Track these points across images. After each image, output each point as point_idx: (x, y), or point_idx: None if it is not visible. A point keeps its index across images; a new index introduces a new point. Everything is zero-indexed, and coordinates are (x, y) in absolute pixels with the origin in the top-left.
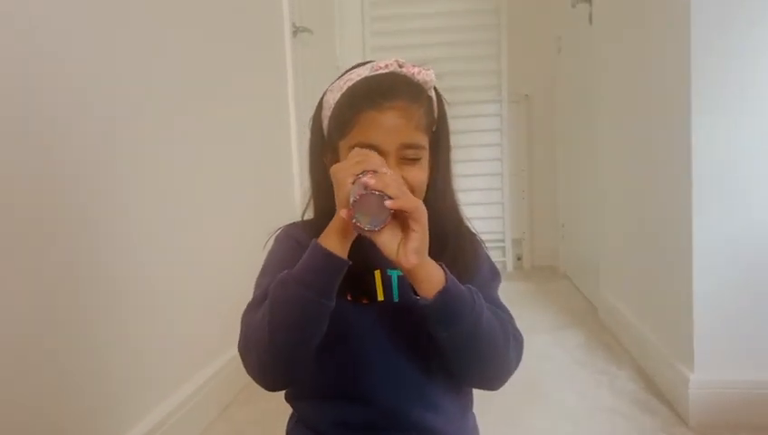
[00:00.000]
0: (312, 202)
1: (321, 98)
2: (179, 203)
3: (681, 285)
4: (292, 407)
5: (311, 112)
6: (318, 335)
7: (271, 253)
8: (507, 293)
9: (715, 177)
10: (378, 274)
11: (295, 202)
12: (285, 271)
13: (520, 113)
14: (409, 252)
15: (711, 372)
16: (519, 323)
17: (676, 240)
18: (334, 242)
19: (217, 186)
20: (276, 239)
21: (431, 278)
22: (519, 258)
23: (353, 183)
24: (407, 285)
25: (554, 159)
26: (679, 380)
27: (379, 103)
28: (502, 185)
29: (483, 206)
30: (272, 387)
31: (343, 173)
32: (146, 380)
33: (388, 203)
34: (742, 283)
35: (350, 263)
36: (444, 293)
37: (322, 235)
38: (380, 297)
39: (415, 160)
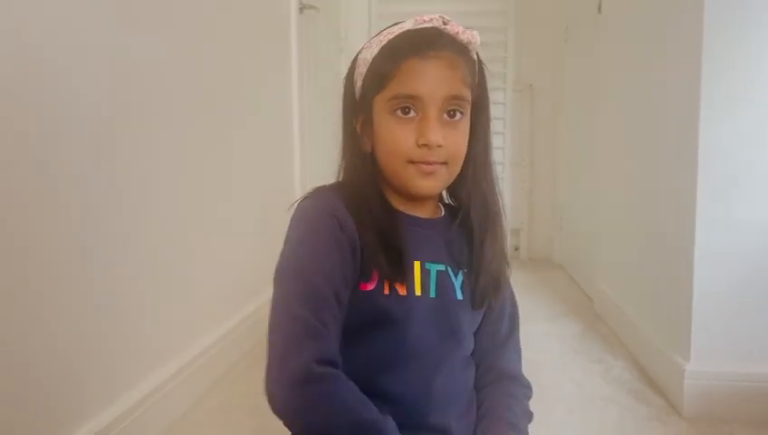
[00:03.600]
0: (342, 168)
1: (356, 56)
2: (177, 182)
3: (681, 276)
4: None
5: (314, 91)
6: None
7: (306, 230)
8: None
9: (719, 171)
10: (417, 265)
11: (295, 178)
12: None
13: (524, 103)
14: None
15: (707, 363)
16: None
17: (678, 233)
18: None
19: (216, 163)
20: (311, 210)
21: None
22: (516, 248)
23: None
24: (445, 280)
25: (556, 151)
26: (674, 370)
27: (423, 51)
28: (503, 174)
29: None
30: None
31: None
32: (138, 349)
33: None
34: (741, 276)
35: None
36: None
37: None
38: (418, 292)
39: (458, 121)
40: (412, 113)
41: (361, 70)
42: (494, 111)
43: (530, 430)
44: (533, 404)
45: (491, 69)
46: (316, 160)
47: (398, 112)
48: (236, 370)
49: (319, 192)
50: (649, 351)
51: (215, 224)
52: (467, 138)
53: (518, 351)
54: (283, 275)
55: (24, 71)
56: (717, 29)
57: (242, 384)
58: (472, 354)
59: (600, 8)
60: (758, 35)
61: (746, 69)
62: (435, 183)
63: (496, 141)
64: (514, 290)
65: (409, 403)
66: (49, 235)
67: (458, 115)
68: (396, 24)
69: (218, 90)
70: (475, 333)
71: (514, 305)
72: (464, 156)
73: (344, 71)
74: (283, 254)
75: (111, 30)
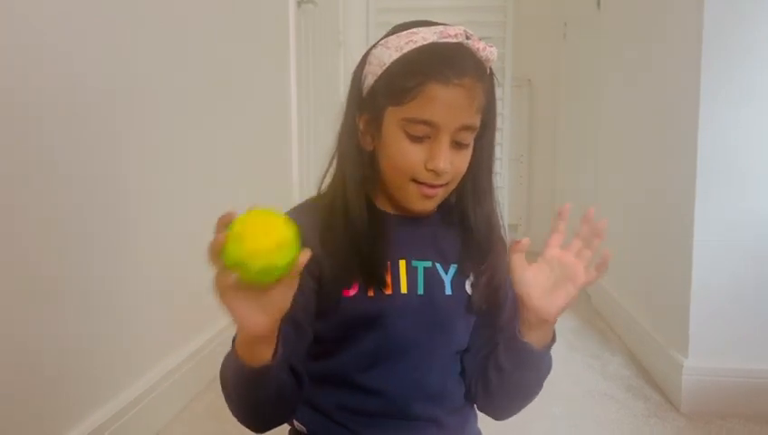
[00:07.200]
0: (333, 165)
1: (369, 51)
2: (173, 182)
3: (679, 273)
4: None
5: (312, 86)
6: (276, 393)
7: None
8: None
9: (718, 167)
10: (403, 264)
11: (293, 174)
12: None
13: (522, 98)
14: (560, 308)
15: (705, 359)
16: None
17: (677, 229)
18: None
19: (211, 161)
20: None
21: (549, 331)
22: None
23: None
24: (433, 277)
25: (554, 147)
26: (672, 366)
27: (447, 77)
28: (501, 170)
29: None
30: (259, 431)
31: None
32: (134, 348)
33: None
34: (740, 272)
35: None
36: (549, 347)
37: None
38: (404, 290)
39: (466, 145)
40: (424, 136)
41: (374, 69)
42: None
43: (526, 427)
44: (532, 401)
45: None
46: (314, 156)
47: (411, 132)
48: None
49: (297, 210)
50: (647, 347)
51: (211, 221)
52: (470, 157)
53: None
54: None
55: (26, 68)
56: (717, 24)
57: None
58: (466, 350)
59: (598, 4)
60: (756, 31)
61: (745, 64)
62: (432, 204)
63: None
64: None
65: (396, 396)
66: (46, 235)
67: (467, 141)
68: (416, 25)
69: (216, 85)
70: (477, 329)
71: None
72: (464, 173)
73: (343, 64)
74: None
75: (110, 27)
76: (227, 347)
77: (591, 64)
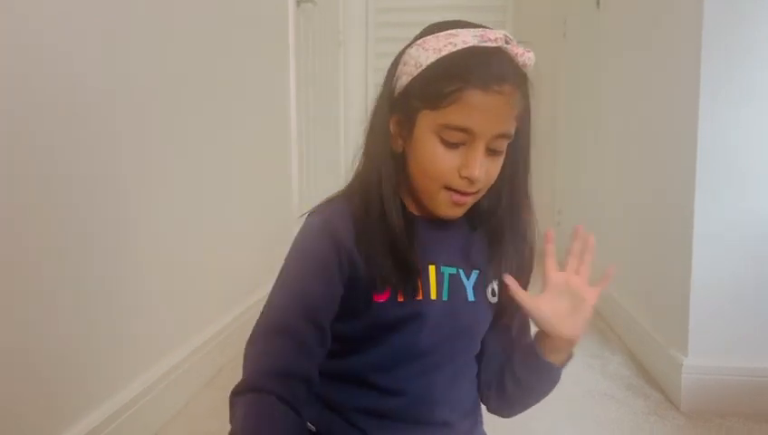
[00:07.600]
0: (359, 166)
1: (403, 50)
2: (173, 180)
3: (679, 272)
4: None
5: (312, 85)
6: None
7: (298, 254)
8: None
9: (718, 166)
10: (432, 269)
11: (292, 174)
12: None
13: None
14: (583, 327)
15: (705, 357)
16: None
17: (677, 228)
18: None
19: (211, 160)
20: (308, 231)
21: (569, 350)
22: None
23: None
24: (456, 283)
25: (554, 145)
26: (672, 365)
27: (487, 84)
28: None
29: None
30: None
31: None
32: (135, 346)
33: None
34: (740, 270)
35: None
36: (568, 361)
37: None
38: (433, 296)
39: (500, 152)
40: (459, 142)
41: (410, 70)
42: None
43: (527, 427)
44: None
45: None
46: (314, 156)
47: (446, 138)
48: (233, 366)
49: (326, 207)
50: (647, 346)
51: (209, 222)
52: (501, 164)
53: None
54: (270, 300)
55: (26, 68)
56: (717, 24)
57: (238, 380)
58: (481, 353)
59: (598, 4)
60: (756, 31)
61: (745, 64)
62: (461, 211)
63: None
64: None
65: (412, 398)
66: (46, 234)
67: (501, 148)
68: (454, 26)
69: (215, 85)
70: (491, 330)
71: None
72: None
73: (343, 64)
74: (279, 273)
75: (110, 27)
76: (226, 347)
77: (591, 63)
